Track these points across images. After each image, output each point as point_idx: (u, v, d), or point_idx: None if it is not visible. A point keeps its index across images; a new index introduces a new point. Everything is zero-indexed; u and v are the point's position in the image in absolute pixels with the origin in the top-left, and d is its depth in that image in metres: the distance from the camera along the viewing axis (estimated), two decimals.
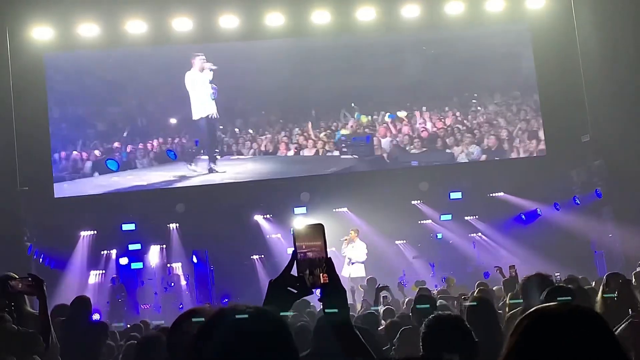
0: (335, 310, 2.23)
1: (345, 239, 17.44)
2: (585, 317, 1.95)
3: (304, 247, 2.21)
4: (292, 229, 2.15)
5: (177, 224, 19.09)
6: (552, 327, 1.91)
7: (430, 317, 4.20)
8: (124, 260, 18.84)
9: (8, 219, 16.02)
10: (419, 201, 20.00)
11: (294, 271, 2.22)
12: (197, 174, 19.03)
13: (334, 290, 2.22)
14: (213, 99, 18.95)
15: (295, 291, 2.21)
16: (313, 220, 14.80)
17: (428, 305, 7.04)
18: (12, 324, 4.54)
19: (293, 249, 2.24)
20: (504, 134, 20.04)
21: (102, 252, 18.77)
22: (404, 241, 19.79)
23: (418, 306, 7.21)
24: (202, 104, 18.96)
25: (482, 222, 20.13)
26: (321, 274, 2.20)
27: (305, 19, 18.85)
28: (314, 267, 2.20)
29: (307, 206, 19.07)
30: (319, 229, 2.24)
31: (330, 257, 2.23)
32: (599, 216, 18.83)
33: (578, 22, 19.00)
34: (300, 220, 18.02)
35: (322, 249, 2.21)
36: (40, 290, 4.96)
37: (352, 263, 17.27)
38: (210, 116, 19.05)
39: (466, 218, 20.02)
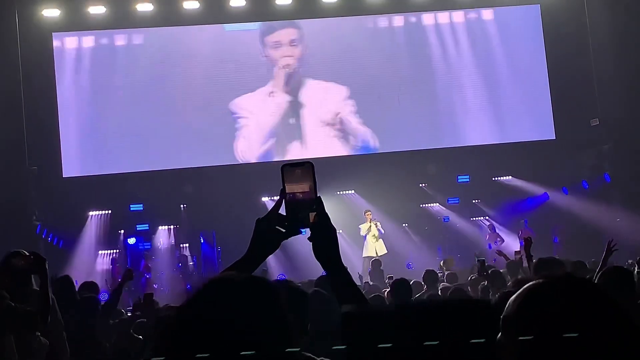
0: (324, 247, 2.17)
1: (368, 218, 17.31)
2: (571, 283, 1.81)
3: (293, 187, 2.14)
4: (280, 168, 1.99)
5: (185, 205, 19.12)
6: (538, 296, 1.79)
7: None
8: (131, 241, 18.93)
9: (17, 198, 16.07)
10: (425, 184, 19.92)
11: (282, 211, 2.17)
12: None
13: (323, 229, 2.16)
14: None
15: (284, 230, 2.17)
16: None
17: None
18: (9, 302, 4.55)
19: (282, 188, 2.16)
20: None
21: (119, 231, 18.90)
22: (406, 225, 19.68)
23: None
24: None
25: (489, 206, 20.07)
26: (310, 214, 2.14)
27: None
28: (304, 207, 2.14)
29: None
30: (309, 169, 2.15)
31: (319, 197, 2.15)
32: (607, 200, 18.73)
33: (588, 3, 18.83)
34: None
35: (312, 189, 2.14)
36: (42, 268, 4.96)
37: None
38: None
39: (474, 201, 19.95)
